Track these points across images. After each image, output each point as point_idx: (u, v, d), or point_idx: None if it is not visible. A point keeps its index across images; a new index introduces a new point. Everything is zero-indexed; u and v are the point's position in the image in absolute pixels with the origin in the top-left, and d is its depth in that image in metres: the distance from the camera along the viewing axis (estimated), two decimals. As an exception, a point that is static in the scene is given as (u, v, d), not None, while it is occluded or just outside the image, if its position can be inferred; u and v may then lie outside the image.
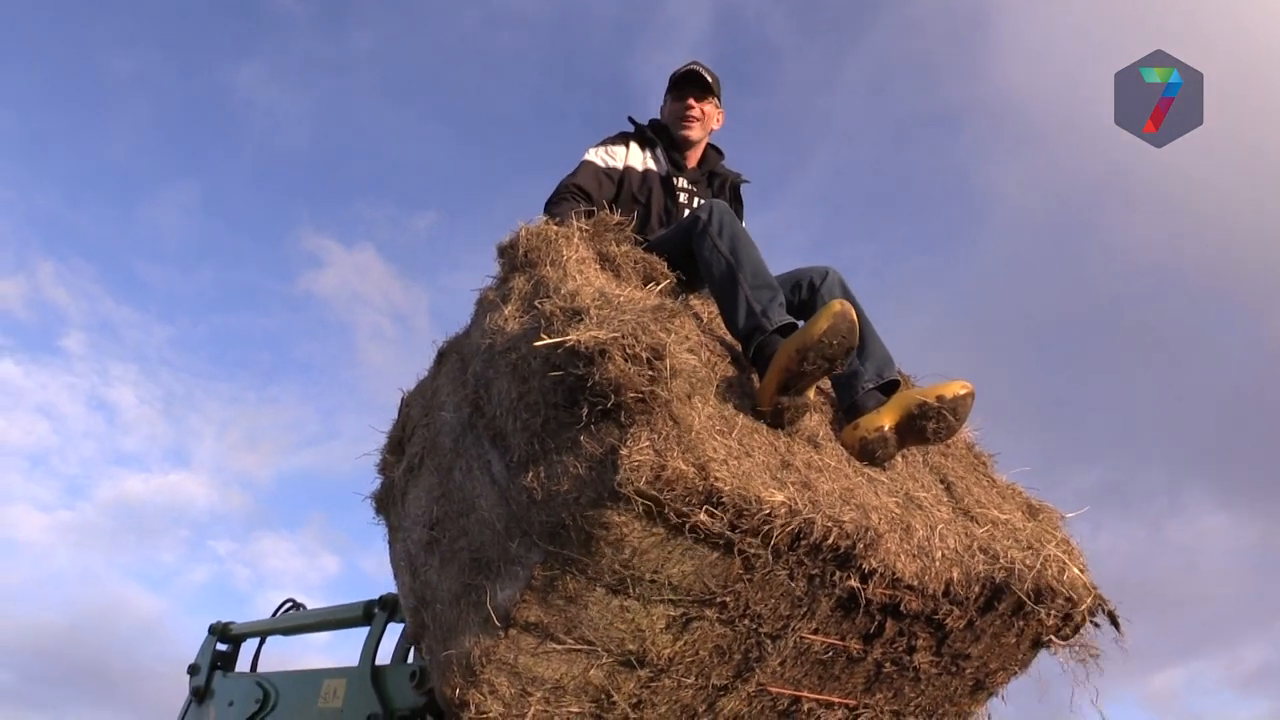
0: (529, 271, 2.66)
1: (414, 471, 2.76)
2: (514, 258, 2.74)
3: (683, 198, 3.47)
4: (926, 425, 2.72)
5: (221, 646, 4.98)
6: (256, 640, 4.91)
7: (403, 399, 3.06)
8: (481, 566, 2.41)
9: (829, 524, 2.34)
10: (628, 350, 2.15)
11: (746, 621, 2.48)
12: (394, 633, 3.68)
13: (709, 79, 3.54)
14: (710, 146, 3.66)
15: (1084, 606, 2.81)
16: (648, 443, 2.13)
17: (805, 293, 3.06)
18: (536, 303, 2.40)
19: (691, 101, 3.52)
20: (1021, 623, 2.79)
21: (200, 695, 4.87)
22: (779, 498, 2.27)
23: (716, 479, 2.17)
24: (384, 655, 3.68)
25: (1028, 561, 2.72)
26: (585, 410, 2.18)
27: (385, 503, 2.93)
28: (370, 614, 3.80)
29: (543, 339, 2.27)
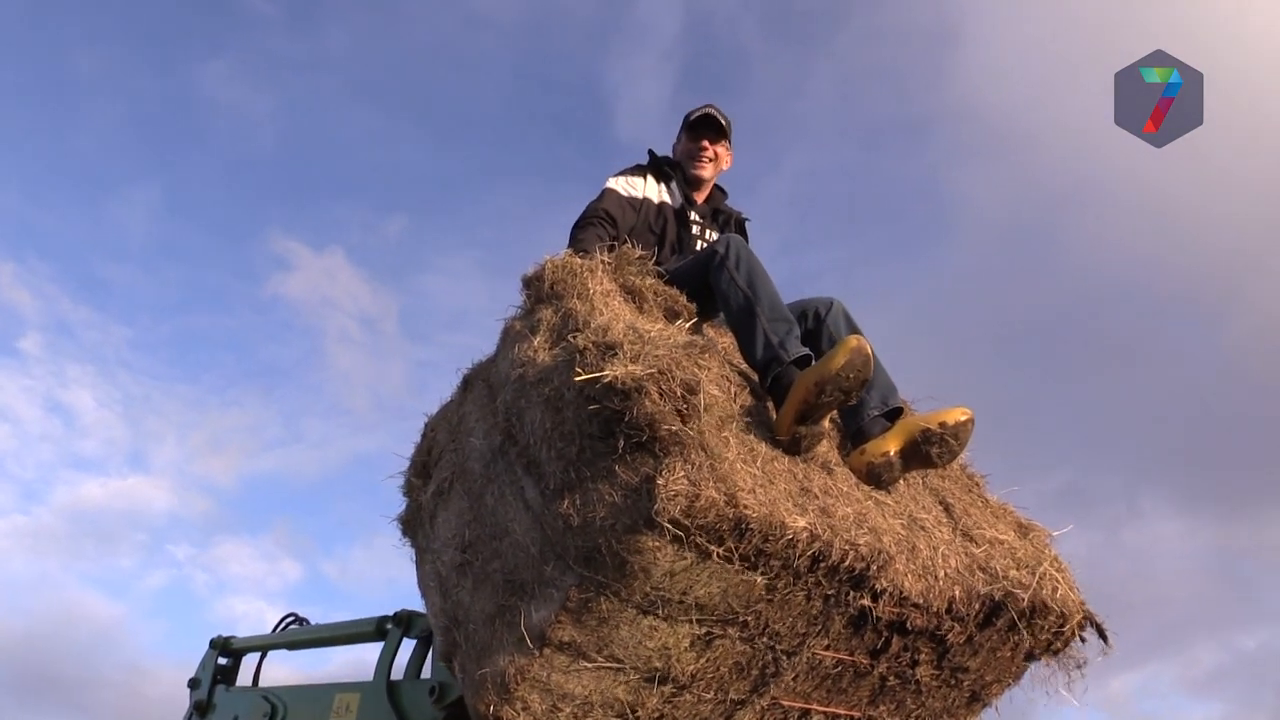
0: (555, 304, 2.78)
1: (443, 495, 2.87)
2: (540, 290, 2.86)
3: (695, 229, 3.63)
4: (930, 450, 2.87)
5: (222, 661, 5.01)
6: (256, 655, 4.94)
7: (427, 423, 3.16)
8: (516, 588, 2.52)
9: (846, 547, 2.49)
10: (663, 386, 2.28)
11: (765, 639, 2.62)
12: (408, 649, 3.77)
13: (723, 123, 3.72)
14: (715, 186, 3.85)
15: (1074, 622, 2.99)
16: (682, 473, 2.26)
17: (811, 322, 3.21)
18: (570, 337, 2.52)
19: (706, 144, 3.72)
20: (1017, 637, 2.95)
21: (202, 709, 4.89)
22: (801, 523, 2.41)
23: (745, 507, 2.30)
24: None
25: (1024, 580, 2.89)
26: (621, 442, 2.30)
27: (412, 525, 3.04)
28: (383, 630, 3.87)
29: (579, 373, 2.39)
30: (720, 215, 3.79)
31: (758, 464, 2.50)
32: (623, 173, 3.71)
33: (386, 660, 3.79)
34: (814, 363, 2.72)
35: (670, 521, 2.23)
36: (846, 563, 2.49)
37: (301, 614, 4.87)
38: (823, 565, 2.48)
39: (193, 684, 5.06)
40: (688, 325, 2.91)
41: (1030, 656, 3.07)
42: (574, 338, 2.51)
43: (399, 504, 3.15)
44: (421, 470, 3.05)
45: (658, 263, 3.39)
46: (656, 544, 2.28)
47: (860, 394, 2.72)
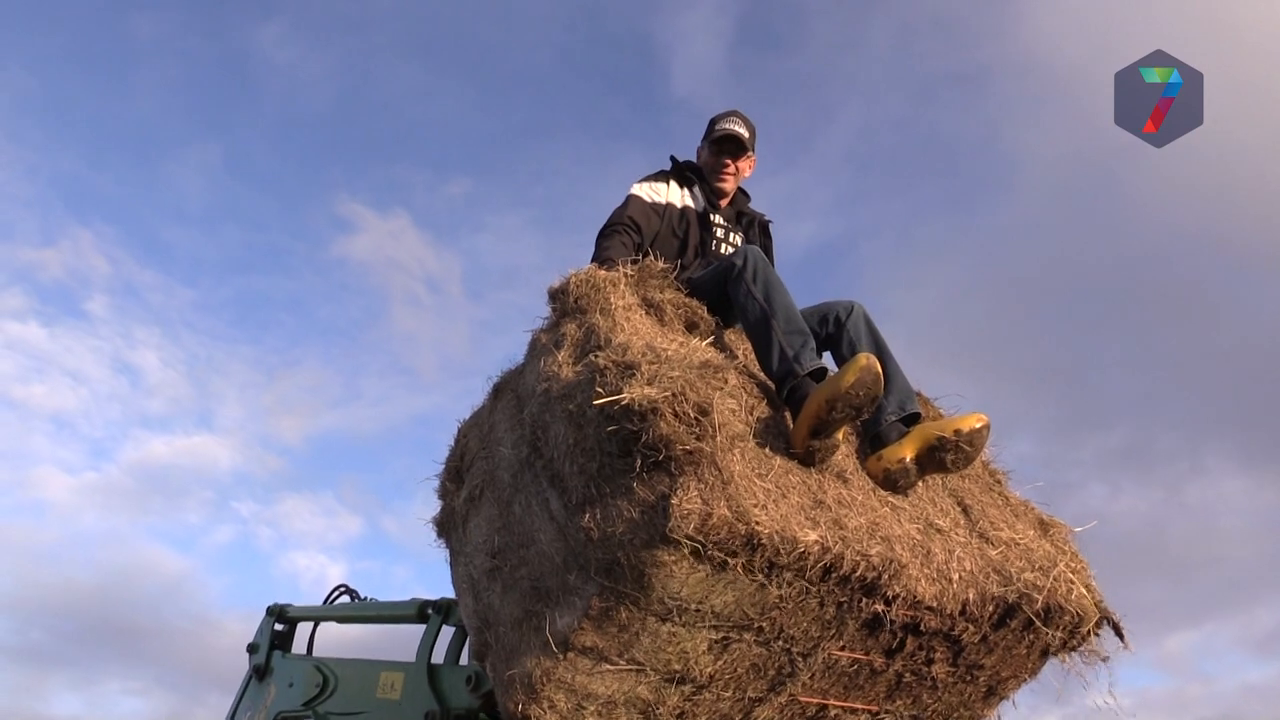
0: (579, 318, 2.88)
1: (474, 501, 3.01)
2: (565, 303, 2.96)
3: (719, 233, 3.73)
4: (945, 457, 2.94)
5: (279, 627, 5.26)
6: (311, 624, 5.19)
7: (460, 428, 3.30)
8: (541, 595, 2.66)
9: (858, 558, 2.58)
10: (678, 408, 2.38)
11: (780, 642, 2.73)
12: (446, 634, 3.95)
13: (745, 137, 3.78)
14: (739, 189, 3.93)
15: (1090, 622, 3.06)
16: (695, 492, 2.37)
17: (832, 326, 3.28)
18: (591, 356, 2.62)
19: (728, 161, 3.81)
20: (1032, 636, 3.03)
21: (261, 673, 5.15)
22: (813, 537, 2.50)
23: (757, 523, 2.41)
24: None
25: (1038, 582, 2.96)
26: (638, 460, 2.41)
27: (446, 527, 3.19)
28: (424, 614, 4.06)
29: (599, 392, 2.50)
30: (744, 218, 3.86)
31: (771, 477, 2.59)
32: (647, 179, 3.80)
33: (428, 644, 3.98)
34: (828, 376, 2.79)
35: (685, 538, 2.34)
36: (858, 573, 2.59)
37: (351, 585, 5.10)
38: (835, 575, 2.58)
39: (251, 649, 5.30)
40: (708, 337, 3.00)
41: (1046, 653, 3.15)
42: (595, 356, 2.61)
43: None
44: (455, 475, 3.19)
45: (682, 266, 3.48)
46: (673, 558, 2.40)
47: (871, 410, 2.79)
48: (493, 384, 3.21)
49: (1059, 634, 3.04)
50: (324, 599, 5.21)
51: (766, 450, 2.69)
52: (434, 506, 3.34)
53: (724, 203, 3.85)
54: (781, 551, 2.46)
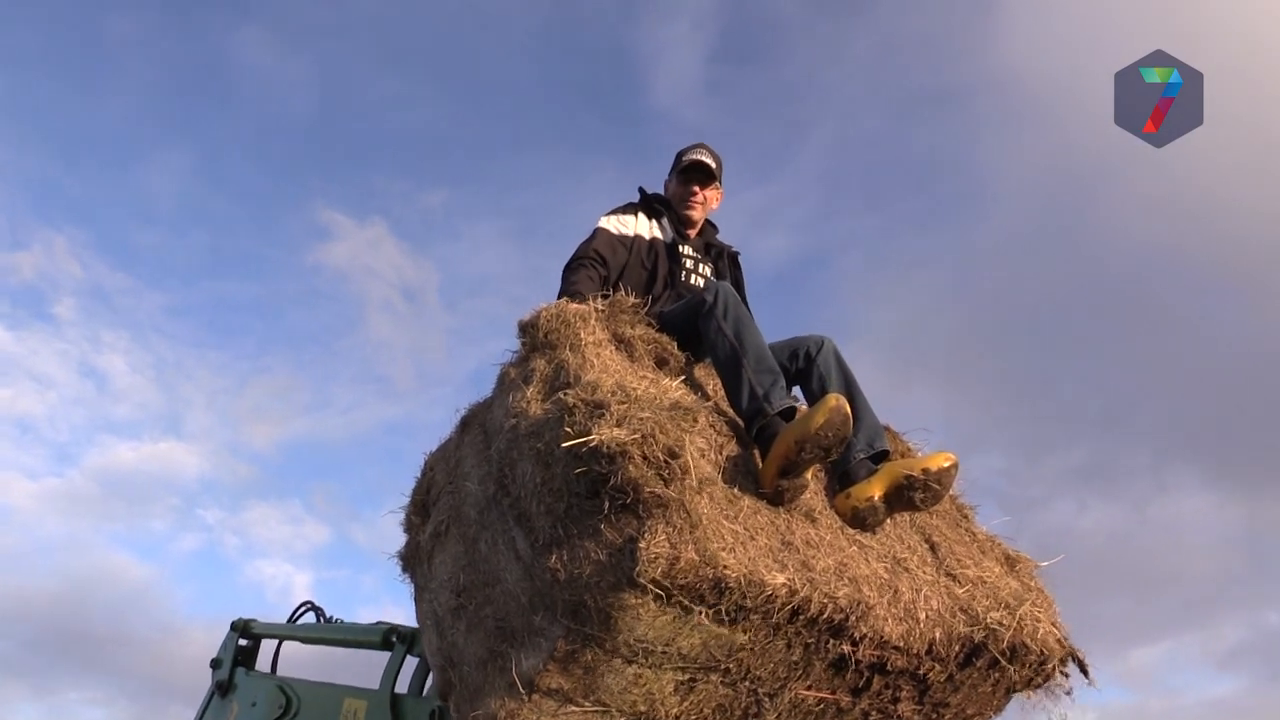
0: (549, 354, 2.86)
1: (440, 537, 2.97)
2: (534, 337, 2.94)
3: (688, 264, 3.71)
4: (914, 495, 2.95)
5: (243, 642, 5.19)
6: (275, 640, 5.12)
7: (426, 460, 3.27)
8: (506, 635, 2.63)
9: (825, 600, 2.58)
10: (646, 451, 2.36)
11: (747, 683, 2.72)
12: (411, 663, 3.91)
13: (712, 166, 3.78)
14: (707, 220, 3.93)
15: (1055, 659, 3.07)
16: (663, 536, 2.35)
17: (802, 361, 3.28)
18: (560, 394, 2.60)
19: (696, 189, 3.81)
20: (997, 674, 3.04)
21: (224, 689, 5.08)
22: (780, 580, 2.50)
23: (725, 567, 2.40)
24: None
25: (1004, 621, 2.97)
26: (606, 502, 2.39)
27: (411, 561, 3.15)
28: (389, 642, 4.02)
29: (567, 432, 2.48)
30: (712, 249, 3.86)
31: (740, 519, 2.58)
32: (614, 211, 3.79)
33: (391, 673, 3.94)
34: (798, 416, 2.79)
35: (651, 582, 2.33)
36: (825, 615, 2.58)
37: (318, 596, 5.06)
38: (802, 617, 2.57)
39: (215, 664, 5.25)
40: (678, 373, 3.00)
41: (1012, 690, 3.16)
42: (564, 394, 2.59)
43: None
44: (421, 508, 3.16)
45: (652, 298, 3.47)
46: (639, 601, 2.38)
47: (840, 451, 2.79)
48: (460, 416, 3.18)
49: (1024, 672, 3.05)
50: (289, 615, 5.17)
51: (735, 490, 2.68)
52: (400, 537, 3.29)
53: (693, 233, 3.84)
54: (749, 595, 2.45)
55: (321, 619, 5.05)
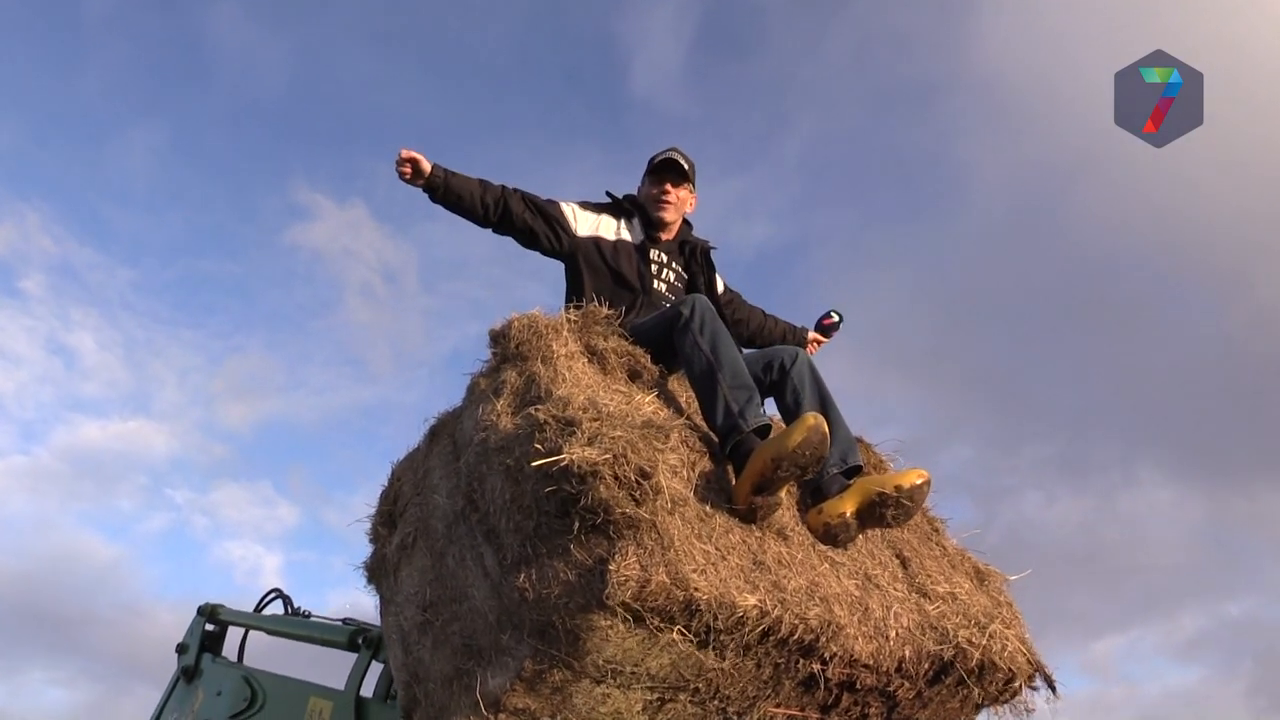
0: (520, 365, 2.81)
1: (407, 550, 2.92)
2: (505, 348, 2.89)
3: (654, 268, 3.63)
4: (886, 512, 2.93)
5: (210, 627, 5.11)
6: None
7: (394, 470, 3.21)
8: (473, 653, 2.59)
9: (796, 621, 2.55)
10: (618, 471, 2.32)
11: (716, 702, 2.69)
12: (377, 667, 3.86)
13: (685, 166, 3.71)
14: (683, 221, 3.84)
15: (1023, 677, 3.07)
16: (634, 558, 2.31)
17: (776, 374, 3.25)
18: (531, 409, 2.55)
19: (668, 187, 3.70)
20: (965, 691, 3.04)
21: (189, 675, 5.01)
22: (751, 601, 2.47)
23: (696, 590, 2.36)
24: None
25: (974, 639, 2.96)
26: (576, 522, 2.35)
27: (377, 573, 3.09)
28: (355, 644, 3.97)
29: (538, 449, 2.43)
30: (686, 246, 3.79)
31: (712, 539, 2.55)
32: (581, 201, 3.74)
33: (357, 676, 3.89)
34: (772, 434, 2.76)
35: (621, 605, 2.29)
36: (796, 635, 2.56)
37: (287, 579, 5.03)
38: (773, 638, 2.55)
39: (181, 649, 5.19)
40: (651, 386, 2.96)
41: (980, 706, 3.16)
42: (535, 410, 2.54)
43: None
44: (388, 519, 3.10)
45: (617, 298, 3.44)
46: (609, 623, 2.34)
47: (816, 470, 2.77)
48: (429, 426, 3.12)
49: (992, 689, 3.06)
50: (257, 603, 5.11)
51: (707, 508, 2.65)
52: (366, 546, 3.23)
53: (666, 236, 3.75)
54: (720, 616, 2.43)
55: (289, 608, 5.00)
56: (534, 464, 2.37)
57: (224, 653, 5.15)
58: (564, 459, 2.32)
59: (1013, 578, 3.50)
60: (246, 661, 4.94)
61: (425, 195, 3.43)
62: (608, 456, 2.33)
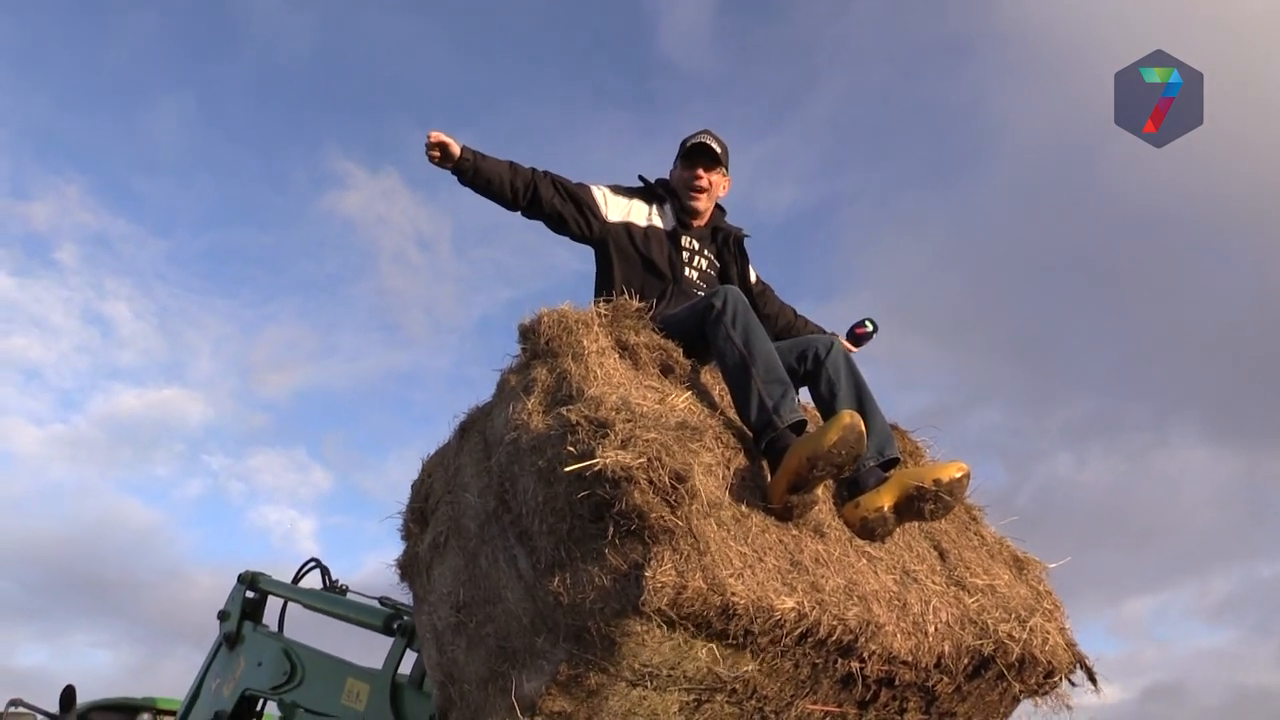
0: (550, 362, 2.77)
1: (439, 549, 2.90)
2: (535, 344, 2.84)
3: (685, 255, 3.56)
4: (925, 506, 2.88)
5: (250, 594, 5.15)
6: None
7: (424, 466, 3.18)
8: (508, 655, 2.57)
9: (835, 622, 2.52)
10: (653, 476, 2.28)
11: (753, 701, 2.67)
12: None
13: (718, 150, 3.62)
14: (716, 206, 3.75)
15: (1063, 671, 3.03)
16: (670, 563, 2.28)
17: (810, 364, 3.18)
18: (563, 410, 2.51)
19: (701, 172, 3.61)
20: (1005, 685, 2.99)
21: (231, 641, 5.06)
22: (789, 604, 2.43)
23: (733, 595, 2.33)
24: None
25: (1014, 634, 2.92)
26: (611, 527, 2.31)
27: (410, 571, 3.08)
28: (390, 628, 3.98)
29: (570, 452, 2.39)
30: (719, 233, 3.72)
31: (748, 539, 2.51)
32: (612, 185, 3.66)
33: (393, 663, 3.90)
34: (810, 432, 2.71)
35: (657, 611, 2.26)
36: (834, 637, 2.53)
37: (325, 544, 5.05)
38: (811, 640, 2.51)
39: (222, 616, 5.22)
40: (683, 381, 2.91)
41: (1019, 698, 3.12)
42: (567, 410, 2.50)
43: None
44: (419, 516, 3.07)
45: (647, 287, 3.38)
46: (644, 628, 2.31)
47: (853, 467, 2.72)
48: (459, 422, 3.08)
49: (1032, 682, 3.01)
50: (295, 572, 5.15)
51: (743, 507, 2.60)
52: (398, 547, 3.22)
53: (698, 222, 3.68)
54: (757, 620, 2.39)
55: (327, 580, 5.03)
56: (567, 468, 2.33)
57: (265, 620, 5.19)
58: (597, 463, 2.28)
59: (1052, 565, 3.45)
60: (286, 628, 4.98)
61: (455, 178, 3.39)
62: (642, 460, 2.28)
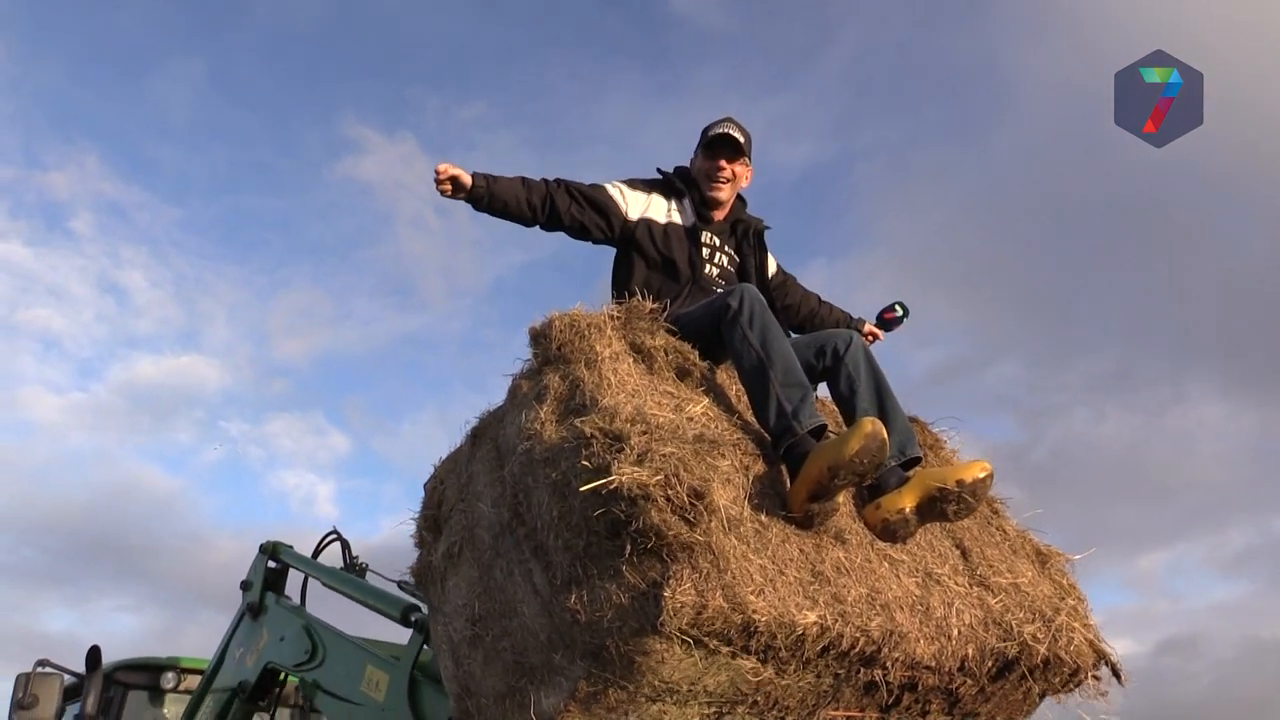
0: (563, 368, 2.70)
1: (453, 559, 2.85)
2: (547, 349, 2.77)
3: (705, 252, 3.48)
4: (947, 508, 2.81)
5: (271, 564, 5.17)
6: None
7: (436, 472, 3.12)
8: (525, 670, 2.53)
9: (858, 634, 2.47)
10: (670, 494, 2.22)
11: (775, 712, 2.63)
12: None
13: (740, 140, 3.52)
14: (737, 197, 3.65)
15: (1088, 669, 2.98)
16: (689, 582, 2.22)
17: (829, 359, 3.11)
18: (576, 421, 2.45)
19: (723, 163, 3.51)
20: (1029, 685, 2.95)
21: (255, 612, 5.07)
22: (811, 618, 2.38)
23: (754, 612, 2.28)
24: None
25: (1039, 634, 2.87)
26: (628, 545, 2.26)
27: (425, 580, 3.03)
28: (408, 620, 3.96)
29: (585, 466, 2.33)
30: (739, 226, 3.63)
31: (769, 552, 2.46)
32: (628, 181, 3.57)
33: (411, 655, 3.89)
34: (831, 439, 2.64)
35: (677, 630, 2.21)
36: (857, 649, 2.48)
37: (342, 510, 5.08)
38: (833, 652, 2.47)
39: (245, 586, 5.25)
40: (699, 385, 2.84)
41: (1043, 696, 3.08)
42: (581, 422, 2.44)
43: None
44: (433, 524, 3.02)
45: (665, 285, 3.31)
46: (664, 647, 2.27)
47: (875, 475, 2.65)
48: (470, 427, 3.02)
49: (1056, 682, 2.97)
50: (315, 546, 5.16)
51: (763, 517, 2.54)
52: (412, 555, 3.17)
53: (719, 215, 3.59)
54: (779, 635, 2.34)
55: (347, 555, 5.07)
56: (582, 487, 2.27)
57: (287, 591, 5.19)
58: (613, 481, 2.22)
59: (1076, 557, 3.39)
60: (308, 599, 4.98)
61: (469, 205, 3.34)
62: (659, 478, 2.22)
